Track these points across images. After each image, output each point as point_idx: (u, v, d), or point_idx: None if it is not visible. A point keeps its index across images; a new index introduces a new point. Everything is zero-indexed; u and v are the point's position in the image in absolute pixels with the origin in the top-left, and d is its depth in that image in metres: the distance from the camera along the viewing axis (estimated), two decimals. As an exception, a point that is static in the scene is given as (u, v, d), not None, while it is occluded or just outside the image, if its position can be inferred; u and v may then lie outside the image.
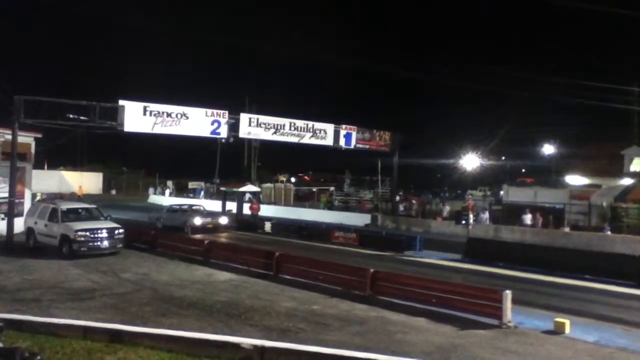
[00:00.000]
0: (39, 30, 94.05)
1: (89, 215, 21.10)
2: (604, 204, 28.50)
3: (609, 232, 24.05)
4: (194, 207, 31.17)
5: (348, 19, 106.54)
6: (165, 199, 52.30)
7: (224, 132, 28.24)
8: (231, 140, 29.60)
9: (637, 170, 37.24)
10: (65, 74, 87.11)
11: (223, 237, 26.52)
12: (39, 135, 25.90)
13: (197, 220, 27.99)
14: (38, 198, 30.87)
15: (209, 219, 28.83)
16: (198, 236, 24.67)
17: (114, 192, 63.54)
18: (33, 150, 26.04)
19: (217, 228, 28.56)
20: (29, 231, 21.44)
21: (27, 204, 24.47)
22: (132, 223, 26.58)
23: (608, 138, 41.23)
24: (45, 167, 56.74)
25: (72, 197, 41.64)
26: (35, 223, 21.04)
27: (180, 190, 57.61)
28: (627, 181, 34.06)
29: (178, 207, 31.44)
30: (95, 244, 19.43)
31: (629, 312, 13.39)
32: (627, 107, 37.52)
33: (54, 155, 53.15)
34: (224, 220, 29.42)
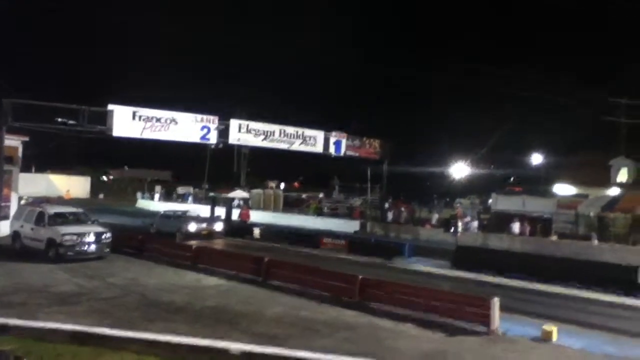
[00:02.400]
0: (28, 33, 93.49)
1: (76, 219, 20.89)
2: (591, 213, 28.71)
3: (596, 241, 24.23)
4: (188, 213, 30.67)
5: (340, 25, 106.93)
6: (154, 204, 52.08)
7: (213, 137, 28.20)
8: (220, 146, 29.60)
9: (624, 180, 37.60)
10: (55, 78, 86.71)
11: (212, 243, 26.31)
12: (27, 139, 25.69)
13: (192, 227, 27.40)
14: (23, 201, 30.60)
15: (203, 225, 28.25)
16: (192, 242, 24.38)
17: (101, 196, 63.13)
18: (20, 154, 25.80)
19: (212, 234, 28.01)
20: (15, 235, 21.19)
21: (13, 208, 24.23)
22: (120, 228, 26.37)
23: (596, 148, 41.63)
24: (33, 170, 56.31)
25: (59, 201, 41.27)
26: (22, 226, 20.80)
27: (169, 195, 57.33)
28: (614, 191, 34.38)
29: (172, 212, 30.88)
30: (82, 248, 19.25)
31: (616, 320, 13.49)
32: (614, 119, 38.06)
33: (42, 158, 52.85)
34: (218, 227, 28.91)
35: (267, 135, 30.25)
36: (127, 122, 25.37)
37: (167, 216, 29.94)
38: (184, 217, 29.27)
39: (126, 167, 71.53)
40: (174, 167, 73.20)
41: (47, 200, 35.26)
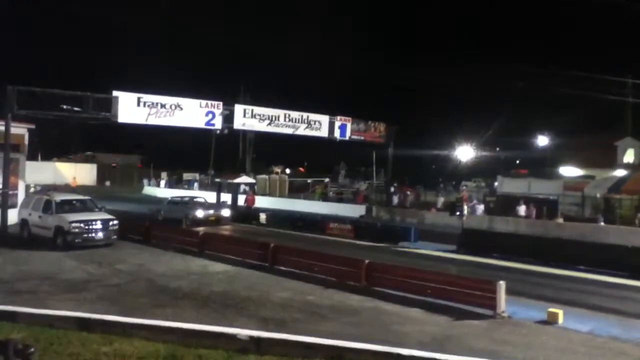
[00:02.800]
0: (33, 21, 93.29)
1: (83, 207, 20.98)
2: (598, 195, 28.61)
3: (602, 223, 24.18)
4: (195, 200, 30.43)
5: (345, 13, 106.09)
6: (160, 190, 52.27)
7: (218, 123, 28.16)
8: (226, 131, 29.54)
9: (631, 161, 37.40)
10: (59, 65, 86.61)
11: (219, 229, 26.35)
12: (33, 126, 25.74)
13: (199, 213, 27.32)
14: (32, 189, 30.77)
15: (211, 212, 28.13)
16: (199, 228, 24.33)
17: (108, 183, 63.36)
18: (26, 142, 25.87)
19: (219, 221, 27.89)
20: (23, 223, 21.34)
21: (20, 196, 24.37)
22: (127, 215, 26.46)
23: (602, 129, 41.36)
24: (39, 158, 56.54)
25: (66, 188, 41.48)
26: (30, 214, 20.94)
27: (175, 181, 57.51)
28: (620, 172, 34.19)
29: (179, 199, 30.73)
30: (90, 235, 19.36)
31: (622, 302, 13.49)
32: (620, 99, 37.67)
33: (48, 146, 53.03)
34: (226, 213, 28.81)
35: (271, 120, 30.18)
36: (131, 108, 25.36)
37: (174, 202, 29.85)
38: (191, 204, 29.14)
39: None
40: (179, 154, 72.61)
41: (55, 188, 35.57)
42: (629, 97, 37.41)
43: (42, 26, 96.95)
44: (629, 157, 37.95)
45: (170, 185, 55.49)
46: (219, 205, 31.22)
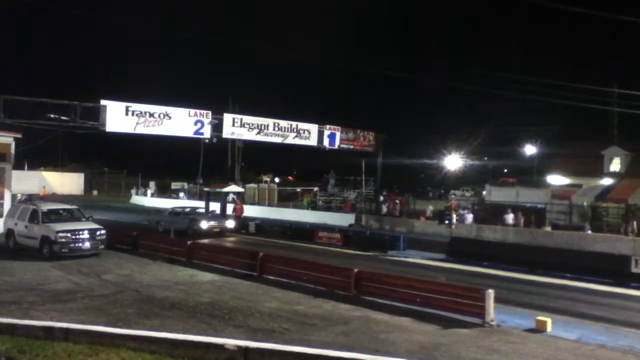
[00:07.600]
0: (21, 29, 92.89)
1: (70, 216, 20.79)
2: (585, 203, 28.84)
3: (589, 231, 24.35)
4: (197, 210, 29.62)
5: (332, 19, 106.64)
6: (147, 200, 51.97)
7: (207, 132, 28.11)
8: (214, 140, 29.45)
9: (617, 170, 37.73)
10: (47, 73, 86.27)
11: (223, 241, 25.83)
12: (19, 135, 25.54)
13: (203, 224, 26.56)
14: (19, 198, 30.45)
15: (214, 223, 27.43)
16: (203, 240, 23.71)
17: (95, 192, 62.91)
18: (13, 151, 25.64)
19: (223, 232, 27.33)
20: (9, 232, 21.08)
21: (6, 205, 24.10)
22: (117, 225, 26.23)
23: (588, 138, 41.71)
24: (26, 167, 56.06)
25: (52, 197, 41.17)
26: (16, 224, 20.67)
27: (163, 191, 57.19)
28: (607, 181, 34.51)
29: (181, 209, 29.88)
30: (77, 245, 19.15)
31: (609, 310, 13.59)
32: (606, 108, 38.02)
33: (35, 155, 52.58)
34: (230, 224, 28.23)
35: (260, 128, 30.17)
36: (120, 117, 25.26)
37: (176, 213, 28.88)
38: (193, 215, 28.25)
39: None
40: (167, 163, 72.02)
41: (40, 197, 35.23)
42: (614, 106, 37.77)
43: (29, 35, 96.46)
44: (615, 165, 38.26)
45: (156, 194, 55.12)
46: (223, 216, 30.65)
